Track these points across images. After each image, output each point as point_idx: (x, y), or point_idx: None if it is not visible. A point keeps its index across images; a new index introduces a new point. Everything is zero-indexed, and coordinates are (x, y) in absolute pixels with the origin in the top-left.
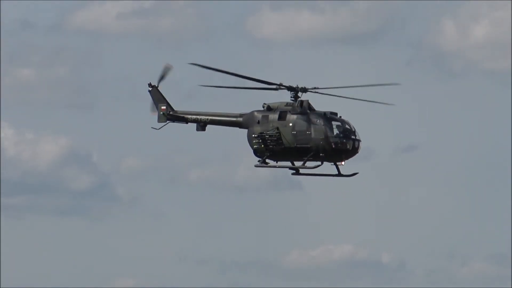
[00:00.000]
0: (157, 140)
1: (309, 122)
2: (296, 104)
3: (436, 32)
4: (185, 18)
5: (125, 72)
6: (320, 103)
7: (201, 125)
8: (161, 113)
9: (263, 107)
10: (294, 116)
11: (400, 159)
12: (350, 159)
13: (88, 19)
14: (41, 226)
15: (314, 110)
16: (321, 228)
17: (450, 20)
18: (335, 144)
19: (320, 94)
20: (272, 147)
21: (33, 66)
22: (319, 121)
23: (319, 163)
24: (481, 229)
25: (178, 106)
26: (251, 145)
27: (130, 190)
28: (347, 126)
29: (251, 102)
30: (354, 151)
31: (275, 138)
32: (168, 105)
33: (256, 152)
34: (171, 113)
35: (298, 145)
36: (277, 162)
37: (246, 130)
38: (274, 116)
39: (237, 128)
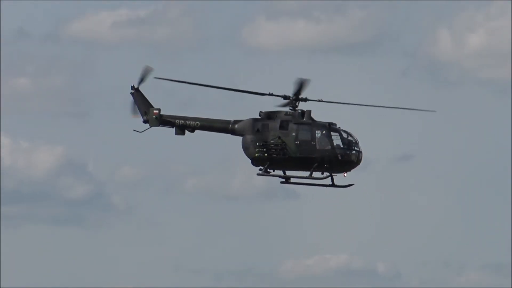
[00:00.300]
0: (152, 148)
1: (313, 132)
2: (296, 114)
3: (431, 41)
4: (180, 27)
5: (120, 81)
6: (317, 113)
7: (180, 130)
8: (154, 117)
9: (260, 115)
10: (297, 126)
11: (396, 168)
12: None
13: (84, 28)
14: (36, 235)
15: (314, 120)
16: (316, 237)
17: (445, 30)
18: (341, 156)
19: (317, 105)
20: (276, 156)
21: (28, 75)
22: (324, 132)
23: (327, 174)
24: (478, 239)
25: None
26: (250, 153)
27: (125, 199)
28: (350, 138)
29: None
30: (357, 162)
31: (280, 148)
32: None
33: (256, 161)
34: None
35: (301, 155)
36: (273, 171)
37: (235, 137)
38: (274, 125)
39: (225, 135)
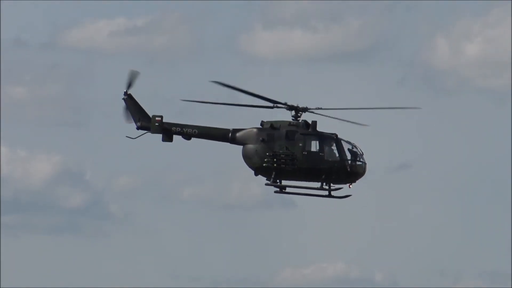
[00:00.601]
0: (150, 157)
1: (321, 143)
2: (301, 124)
3: (428, 50)
4: (178, 36)
5: (118, 89)
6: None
7: (168, 136)
8: (157, 124)
9: (262, 124)
10: (304, 136)
11: (393, 178)
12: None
13: (81, 37)
14: (33, 244)
15: (319, 131)
16: (313, 246)
17: (442, 38)
18: (350, 167)
19: (317, 114)
20: (284, 166)
21: (25, 84)
22: (332, 143)
23: (341, 186)
24: (476, 248)
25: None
26: (255, 162)
27: (123, 208)
28: (355, 149)
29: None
30: (363, 174)
31: (290, 158)
32: (147, 115)
33: (261, 171)
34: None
35: (309, 166)
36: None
37: (229, 145)
38: (280, 135)
39: (221, 143)
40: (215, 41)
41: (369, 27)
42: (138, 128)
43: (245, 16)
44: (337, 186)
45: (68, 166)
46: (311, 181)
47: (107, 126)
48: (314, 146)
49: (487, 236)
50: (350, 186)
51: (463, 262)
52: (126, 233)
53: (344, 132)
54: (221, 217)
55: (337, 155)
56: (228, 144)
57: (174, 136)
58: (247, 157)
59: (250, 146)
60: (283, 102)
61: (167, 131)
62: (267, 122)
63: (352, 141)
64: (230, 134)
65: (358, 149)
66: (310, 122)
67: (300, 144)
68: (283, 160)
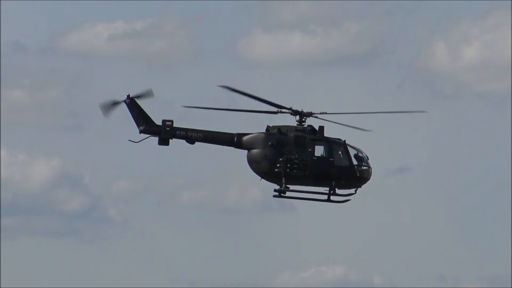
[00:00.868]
0: (149, 161)
1: (330, 148)
2: (307, 129)
3: (427, 54)
4: (177, 40)
5: (116, 93)
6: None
7: (164, 141)
8: (167, 128)
9: (267, 129)
10: (313, 142)
11: (392, 181)
12: None
13: (80, 41)
14: (32, 248)
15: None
16: (312, 250)
17: (441, 42)
18: (359, 173)
19: (320, 119)
20: (297, 172)
21: (24, 88)
22: (341, 148)
23: (352, 191)
24: (476, 253)
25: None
26: (263, 167)
27: (122, 212)
28: (361, 154)
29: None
30: (369, 179)
31: (303, 164)
32: (150, 119)
33: (269, 176)
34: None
35: (318, 171)
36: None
37: (231, 150)
38: (289, 140)
39: (222, 147)
40: (214, 45)
41: (369, 31)
42: (141, 132)
43: (244, 20)
44: (347, 191)
45: (67, 170)
46: (319, 186)
47: (106, 130)
48: (324, 151)
49: (486, 240)
50: (356, 191)
51: (462, 266)
52: (124, 236)
53: (345, 136)
54: (219, 221)
55: (346, 160)
56: (224, 148)
57: (174, 140)
58: (254, 162)
59: (258, 151)
60: (288, 107)
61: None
62: (274, 126)
63: (356, 146)
64: (235, 139)
65: (364, 154)
66: (315, 127)
67: (310, 150)
68: (296, 166)
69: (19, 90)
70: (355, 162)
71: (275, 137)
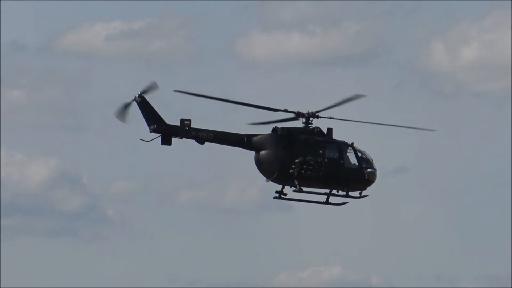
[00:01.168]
0: (147, 161)
1: (340, 151)
2: (315, 131)
3: (426, 54)
4: (175, 40)
5: (115, 93)
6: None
7: (167, 141)
8: (186, 128)
9: (276, 130)
10: (323, 144)
11: (389, 182)
12: None
13: (78, 41)
14: (31, 248)
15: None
16: (310, 250)
17: (440, 43)
18: (367, 175)
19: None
20: (310, 173)
21: (22, 88)
22: (350, 151)
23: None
24: (474, 254)
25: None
26: (275, 168)
27: (120, 212)
28: (366, 157)
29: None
30: (375, 181)
31: (318, 165)
32: (161, 118)
33: (279, 177)
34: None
35: (330, 174)
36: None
37: (224, 149)
38: (300, 142)
39: (225, 148)
40: (213, 45)
41: (367, 31)
42: (151, 132)
43: (243, 20)
44: (355, 193)
45: (65, 170)
46: (328, 188)
47: (104, 129)
48: (334, 153)
49: (484, 240)
50: (361, 193)
51: (460, 267)
52: (124, 236)
53: (342, 135)
54: (217, 221)
55: (355, 162)
56: (222, 147)
57: (176, 140)
58: (266, 163)
59: (269, 152)
60: (295, 111)
61: (177, 134)
62: (283, 128)
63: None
64: (245, 139)
65: (369, 156)
66: (322, 129)
67: (321, 151)
68: (311, 167)
69: (17, 90)
70: (363, 164)
71: (287, 138)
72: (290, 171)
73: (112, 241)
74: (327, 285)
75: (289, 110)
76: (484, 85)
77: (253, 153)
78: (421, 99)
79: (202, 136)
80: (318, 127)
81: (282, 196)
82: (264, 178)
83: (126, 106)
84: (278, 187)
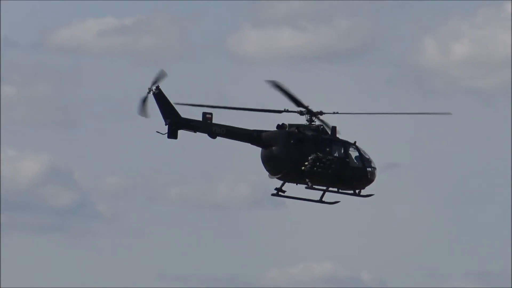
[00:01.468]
0: (140, 157)
1: (345, 149)
2: (320, 128)
3: (417, 50)
4: (167, 36)
5: (106, 89)
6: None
7: (173, 133)
8: (208, 121)
9: (283, 127)
10: (330, 142)
11: (381, 177)
12: None
13: (69, 37)
14: (21, 243)
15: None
16: (301, 246)
17: (432, 39)
18: (370, 174)
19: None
20: (321, 171)
21: (14, 84)
22: (354, 149)
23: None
24: (469, 250)
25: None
26: (284, 165)
27: (112, 208)
28: (367, 156)
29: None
30: (374, 180)
31: (329, 163)
32: (176, 111)
33: (288, 174)
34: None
35: (337, 172)
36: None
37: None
38: (309, 139)
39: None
40: (204, 41)
41: (359, 27)
42: (167, 124)
43: (234, 16)
44: (362, 192)
45: (56, 166)
46: (332, 186)
47: (96, 125)
48: (339, 152)
49: (480, 237)
50: (360, 192)
51: (455, 264)
52: (115, 232)
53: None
54: (210, 216)
55: (359, 161)
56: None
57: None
58: (276, 159)
59: (279, 148)
60: (282, 109)
61: (190, 127)
62: (291, 124)
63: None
64: (255, 134)
65: (368, 155)
66: (323, 127)
67: (328, 149)
68: (323, 164)
69: (9, 85)
70: (366, 163)
71: (297, 135)
72: (303, 168)
73: (103, 237)
74: (319, 282)
75: (289, 110)
76: (475, 81)
77: (258, 149)
78: (412, 95)
79: (215, 131)
80: (322, 125)
81: (280, 193)
82: (268, 174)
83: (144, 100)
84: (278, 184)
